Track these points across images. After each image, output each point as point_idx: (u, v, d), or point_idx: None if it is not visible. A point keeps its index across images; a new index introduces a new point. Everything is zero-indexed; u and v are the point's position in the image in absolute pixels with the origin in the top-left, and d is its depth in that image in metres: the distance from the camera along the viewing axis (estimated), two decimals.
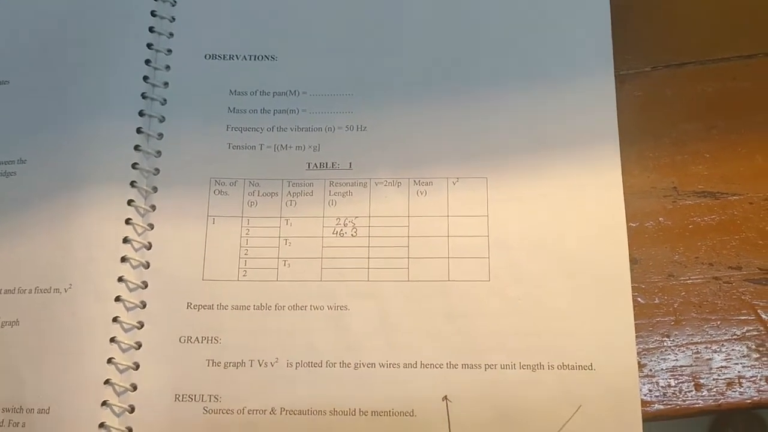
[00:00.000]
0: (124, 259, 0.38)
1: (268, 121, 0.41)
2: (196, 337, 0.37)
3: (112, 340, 0.37)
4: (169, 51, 0.42)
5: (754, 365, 0.36)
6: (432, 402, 0.36)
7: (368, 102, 0.41)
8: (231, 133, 0.40)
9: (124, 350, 0.37)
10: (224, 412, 0.36)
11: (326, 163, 0.40)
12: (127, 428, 0.36)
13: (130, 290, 0.38)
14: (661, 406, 0.36)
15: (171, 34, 0.42)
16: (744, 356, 0.36)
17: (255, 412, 0.36)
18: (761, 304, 0.37)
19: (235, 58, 0.42)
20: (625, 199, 0.38)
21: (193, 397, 0.37)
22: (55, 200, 0.39)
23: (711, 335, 0.37)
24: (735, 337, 0.37)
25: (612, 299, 0.37)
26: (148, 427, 0.36)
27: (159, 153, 0.40)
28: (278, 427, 0.36)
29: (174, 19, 0.42)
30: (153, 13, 0.42)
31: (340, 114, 0.41)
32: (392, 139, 0.40)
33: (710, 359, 0.36)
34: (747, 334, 0.37)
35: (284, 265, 0.38)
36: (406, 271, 0.38)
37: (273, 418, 0.36)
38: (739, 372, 0.36)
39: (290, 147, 0.40)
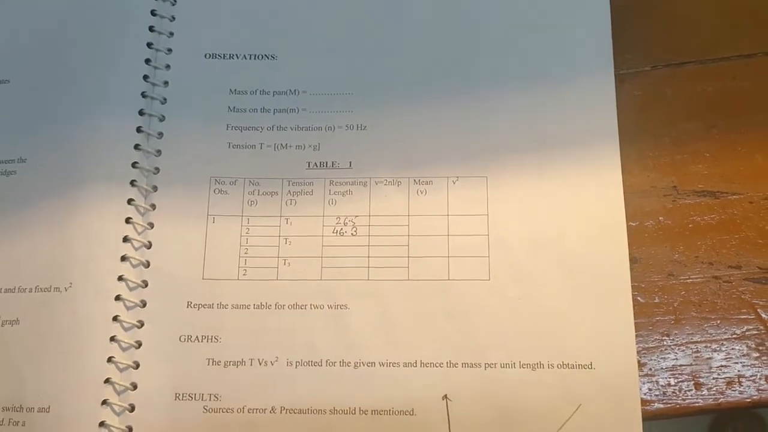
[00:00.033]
0: (124, 258, 0.38)
1: (268, 120, 0.41)
2: (196, 336, 0.37)
3: (113, 339, 0.37)
4: (170, 50, 0.42)
5: (754, 364, 0.36)
6: (432, 401, 0.36)
7: (368, 101, 0.41)
8: (231, 132, 0.40)
9: (124, 349, 0.37)
10: (224, 411, 0.36)
11: (326, 163, 0.40)
12: (127, 427, 0.36)
13: (130, 289, 0.38)
14: (661, 405, 0.36)
15: (171, 34, 0.42)
16: (744, 355, 0.36)
17: (255, 411, 0.36)
18: (761, 303, 0.37)
19: (235, 57, 0.42)
20: (625, 199, 0.38)
21: (193, 396, 0.37)
22: (56, 199, 0.39)
23: (711, 334, 0.37)
24: (735, 336, 0.37)
25: (612, 298, 0.37)
26: (148, 426, 0.36)
27: (159, 152, 0.40)
28: (278, 426, 0.36)
29: (174, 18, 0.42)
30: (153, 13, 0.42)
31: (340, 113, 0.41)
32: (392, 139, 0.40)
33: (710, 358, 0.36)
34: (747, 333, 0.37)
35: (284, 264, 0.38)
36: (406, 270, 0.38)
37: (273, 417, 0.36)
38: (738, 371, 0.36)
39: (290, 146, 0.40)
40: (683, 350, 0.37)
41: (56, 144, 0.40)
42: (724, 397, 0.36)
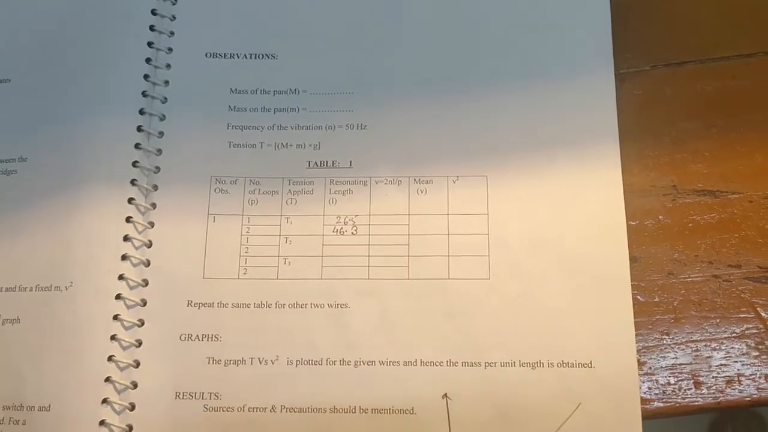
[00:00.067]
0: (124, 257, 0.38)
1: (268, 119, 0.41)
2: (197, 335, 0.37)
3: (113, 337, 0.37)
4: (170, 49, 0.42)
5: (754, 363, 0.36)
6: (432, 400, 0.36)
7: (368, 101, 0.41)
8: (231, 132, 0.41)
9: (124, 348, 0.37)
10: (224, 409, 0.37)
11: (326, 162, 0.40)
12: (127, 426, 0.36)
13: (131, 288, 0.38)
14: (661, 404, 0.36)
15: (172, 33, 0.42)
16: (743, 354, 0.36)
17: (255, 409, 0.36)
18: (760, 302, 0.37)
19: (235, 56, 0.42)
20: (624, 198, 0.38)
21: (194, 395, 0.37)
22: (56, 198, 0.39)
23: (710, 333, 0.37)
24: (734, 335, 0.37)
25: (612, 297, 0.37)
26: (149, 424, 0.36)
27: (159, 151, 0.40)
28: (278, 425, 0.36)
29: (174, 17, 0.42)
30: (154, 12, 0.42)
31: (340, 112, 0.41)
32: (392, 138, 0.40)
33: (710, 357, 0.36)
34: (746, 332, 0.37)
35: (284, 263, 0.38)
36: (406, 269, 0.38)
37: (273, 416, 0.36)
38: (738, 370, 0.36)
39: (290, 145, 0.40)
40: (683, 349, 0.37)
41: (57, 143, 0.40)
42: (723, 396, 0.36)
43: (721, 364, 0.36)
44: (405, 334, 0.37)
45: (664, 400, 0.36)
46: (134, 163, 0.39)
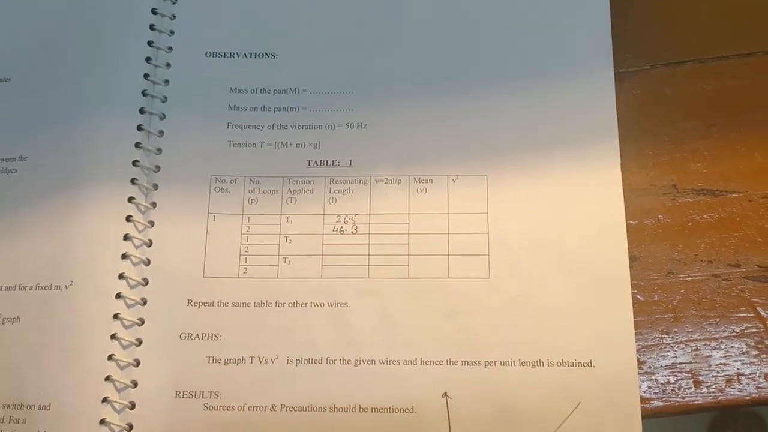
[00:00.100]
0: (124, 256, 0.38)
1: (268, 118, 0.41)
2: (197, 334, 0.37)
3: (113, 336, 0.37)
4: (170, 49, 0.42)
5: (753, 362, 0.36)
6: (432, 399, 0.36)
7: (368, 100, 0.41)
8: (231, 131, 0.41)
9: (124, 347, 0.37)
10: (224, 408, 0.37)
11: (326, 161, 0.40)
12: (127, 425, 0.36)
13: (131, 287, 0.38)
14: (661, 403, 0.36)
15: (172, 32, 0.42)
16: (743, 353, 0.36)
17: (255, 408, 0.37)
18: (760, 301, 0.37)
19: (235, 55, 0.42)
20: (624, 197, 0.38)
21: (194, 394, 0.37)
22: (56, 197, 0.39)
23: (710, 332, 0.37)
24: (734, 334, 0.37)
25: (611, 296, 0.37)
26: (149, 423, 0.36)
27: (159, 150, 0.40)
28: (278, 424, 0.36)
29: (175, 16, 0.42)
30: (154, 11, 0.42)
31: (340, 112, 0.41)
32: (392, 137, 0.40)
33: (709, 356, 0.36)
34: (746, 331, 0.37)
35: (284, 262, 0.38)
36: (406, 268, 0.38)
37: (273, 415, 0.36)
38: (738, 369, 0.36)
39: (290, 144, 0.40)
40: (682, 348, 0.37)
41: (57, 142, 0.40)
42: (723, 395, 0.36)
43: (721, 363, 0.36)
44: (405, 333, 0.37)
45: (663, 399, 0.36)
46: (134, 162, 0.39)
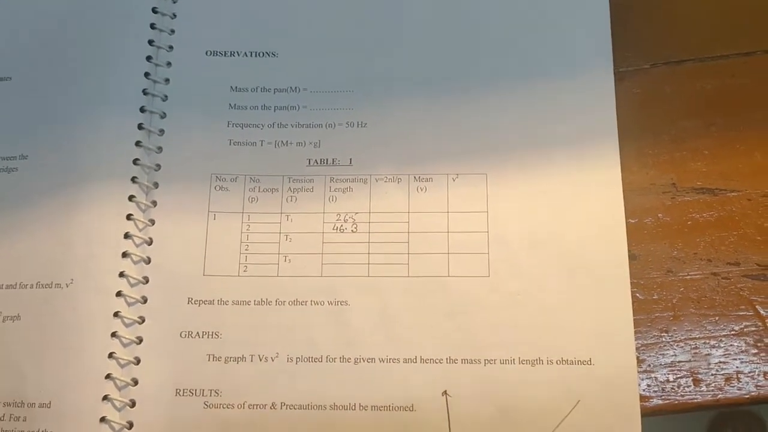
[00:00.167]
0: (125, 255, 0.38)
1: (268, 117, 0.41)
2: (197, 332, 0.38)
3: (113, 334, 0.37)
4: (171, 47, 0.42)
5: (753, 361, 0.36)
6: (432, 397, 0.36)
7: (369, 99, 0.41)
8: (232, 130, 0.41)
9: (125, 345, 0.37)
10: (225, 406, 0.37)
11: (327, 160, 0.40)
12: (127, 423, 0.36)
13: (131, 285, 0.38)
14: (660, 401, 0.36)
15: (172, 31, 0.42)
16: (742, 352, 0.36)
17: (255, 406, 0.37)
18: (759, 299, 0.37)
19: (236, 54, 0.42)
20: (624, 196, 0.38)
21: (194, 392, 0.37)
22: (57, 196, 0.39)
23: (709, 331, 0.37)
24: (733, 332, 0.37)
25: (611, 295, 0.37)
26: (149, 421, 0.36)
27: (160, 149, 0.40)
28: (278, 422, 0.36)
29: (175, 15, 0.43)
30: (154, 10, 0.42)
31: (340, 110, 0.41)
32: (392, 136, 0.40)
33: (709, 355, 0.37)
34: (745, 329, 0.37)
35: (285, 260, 0.39)
36: (406, 266, 0.38)
37: (273, 413, 0.36)
38: (737, 367, 0.36)
39: (291, 143, 0.40)
40: (682, 347, 0.37)
41: (58, 141, 0.40)
42: (722, 394, 0.36)
43: (720, 362, 0.36)
44: (405, 332, 0.37)
45: (663, 397, 0.36)
46: (135, 161, 0.39)
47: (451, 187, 0.39)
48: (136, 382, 0.37)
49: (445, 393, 0.36)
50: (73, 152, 0.40)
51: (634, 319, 0.37)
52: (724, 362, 0.36)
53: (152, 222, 0.39)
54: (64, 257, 0.38)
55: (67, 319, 0.37)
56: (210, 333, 0.38)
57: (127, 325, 0.37)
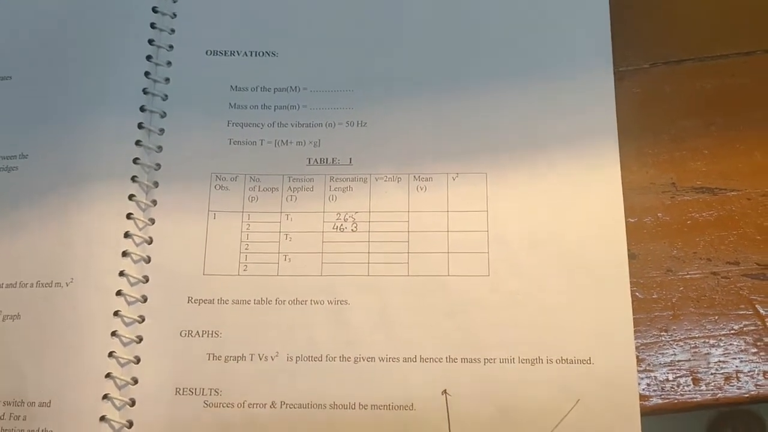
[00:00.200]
0: (125, 254, 0.38)
1: (268, 116, 0.41)
2: (197, 331, 0.38)
3: (113, 334, 0.37)
4: (171, 47, 0.42)
5: (752, 360, 0.36)
6: (431, 396, 0.36)
7: (368, 98, 0.41)
8: (232, 129, 0.41)
9: (125, 344, 0.37)
10: (225, 405, 0.37)
11: (326, 159, 0.40)
12: (127, 421, 0.36)
13: (131, 284, 0.38)
14: (660, 401, 0.36)
15: (172, 31, 0.42)
16: (742, 351, 0.36)
17: (255, 405, 0.37)
18: (759, 298, 0.37)
19: (236, 54, 0.42)
20: (623, 195, 0.38)
21: (194, 391, 0.37)
22: (57, 195, 0.39)
23: (709, 330, 0.37)
24: (733, 331, 0.37)
25: (610, 294, 0.37)
26: (149, 420, 0.36)
27: (160, 148, 0.40)
28: (278, 421, 0.36)
29: (175, 15, 0.43)
30: (154, 10, 0.42)
31: (340, 110, 0.41)
32: (392, 135, 0.40)
33: (708, 354, 0.37)
34: (745, 328, 0.37)
35: (285, 259, 0.39)
36: (406, 266, 0.38)
37: (273, 412, 0.36)
38: (737, 366, 0.36)
39: (291, 142, 0.40)
40: (681, 346, 0.37)
41: (58, 140, 0.40)
42: (722, 393, 0.36)
43: (720, 361, 0.36)
44: (405, 331, 0.37)
45: (662, 396, 0.36)
46: (135, 160, 0.39)
47: (450, 187, 0.39)
48: (135, 381, 0.37)
49: (444, 392, 0.36)
50: (73, 151, 0.40)
51: (634, 319, 0.37)
52: (723, 361, 0.36)
53: (152, 221, 0.39)
54: (64, 256, 0.38)
55: (67, 318, 0.37)
56: (210, 332, 0.38)
57: (127, 324, 0.38)
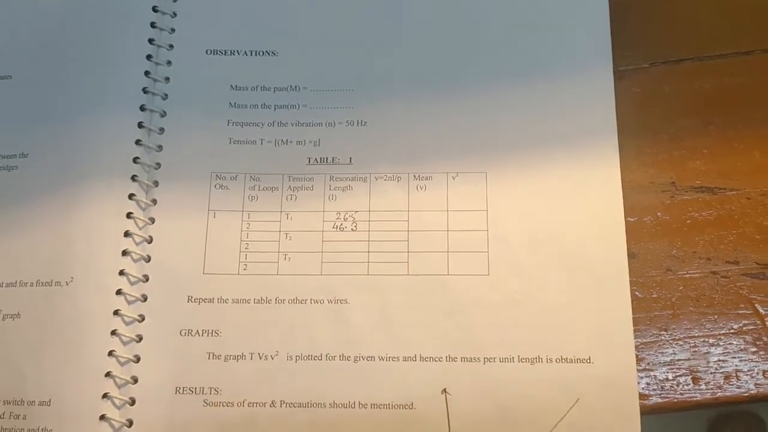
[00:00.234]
0: (125, 253, 0.38)
1: (268, 116, 0.41)
2: (197, 331, 0.38)
3: (113, 333, 0.37)
4: (171, 46, 0.42)
5: (752, 359, 0.36)
6: (431, 395, 0.36)
7: (368, 97, 0.41)
8: (232, 128, 0.41)
9: (125, 343, 0.37)
10: (224, 404, 0.37)
11: (326, 158, 0.40)
12: (127, 420, 0.36)
13: (131, 283, 0.38)
14: (659, 400, 0.36)
15: (172, 30, 0.42)
16: (741, 350, 0.36)
17: (255, 404, 0.37)
18: (758, 298, 0.37)
19: (236, 53, 0.42)
20: (623, 194, 0.38)
21: (194, 390, 0.37)
22: (57, 194, 0.39)
23: (708, 329, 0.37)
24: (732, 331, 0.37)
25: (610, 293, 0.37)
26: (149, 419, 0.36)
27: (160, 147, 0.40)
28: (278, 420, 0.36)
29: (175, 14, 0.43)
30: (155, 9, 0.42)
31: (340, 109, 0.41)
32: (392, 134, 0.40)
33: (708, 353, 0.37)
34: (744, 328, 0.37)
35: (284, 259, 0.39)
36: (405, 265, 0.38)
37: (273, 411, 0.36)
38: (736, 366, 0.36)
39: (291, 142, 0.40)
40: (681, 345, 0.37)
41: (58, 139, 0.40)
42: (721, 392, 0.36)
43: (719, 360, 0.36)
44: (404, 330, 0.37)
45: (662, 395, 0.36)
46: (135, 159, 0.39)
47: (450, 186, 0.39)
48: (135, 380, 0.37)
49: (444, 391, 0.36)
50: (73, 150, 0.40)
51: (634, 318, 0.37)
52: (723, 360, 0.36)
53: (152, 220, 0.39)
54: (64, 255, 0.38)
55: (67, 317, 0.37)
56: (210, 331, 0.38)
57: (126, 323, 0.38)
